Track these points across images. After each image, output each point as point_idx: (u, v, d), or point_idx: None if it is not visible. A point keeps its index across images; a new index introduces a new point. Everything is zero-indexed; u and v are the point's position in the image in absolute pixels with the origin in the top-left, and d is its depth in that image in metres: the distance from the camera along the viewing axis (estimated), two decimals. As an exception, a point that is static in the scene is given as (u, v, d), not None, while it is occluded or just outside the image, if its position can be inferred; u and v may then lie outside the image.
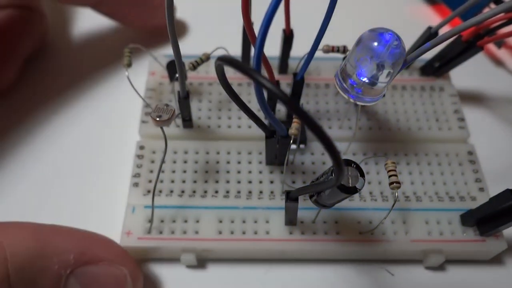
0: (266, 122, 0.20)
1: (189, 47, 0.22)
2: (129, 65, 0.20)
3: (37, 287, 0.15)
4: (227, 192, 0.19)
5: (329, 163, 0.20)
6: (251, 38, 0.14)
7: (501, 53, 0.26)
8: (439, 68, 0.23)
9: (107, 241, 0.18)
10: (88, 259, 0.16)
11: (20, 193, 0.21)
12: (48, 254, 0.15)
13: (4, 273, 0.14)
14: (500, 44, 0.25)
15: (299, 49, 0.21)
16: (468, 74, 0.24)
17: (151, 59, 0.23)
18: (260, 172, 0.20)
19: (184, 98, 0.19)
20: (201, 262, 0.19)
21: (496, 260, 0.20)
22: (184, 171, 0.20)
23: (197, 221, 0.19)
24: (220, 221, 0.19)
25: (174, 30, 0.15)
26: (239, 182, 0.20)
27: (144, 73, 0.23)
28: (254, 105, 0.20)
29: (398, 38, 0.16)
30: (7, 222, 0.16)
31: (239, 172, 0.20)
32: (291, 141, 0.17)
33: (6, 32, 0.22)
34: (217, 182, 0.20)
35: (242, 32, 0.21)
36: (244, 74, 0.11)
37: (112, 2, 0.23)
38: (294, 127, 0.17)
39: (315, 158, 0.21)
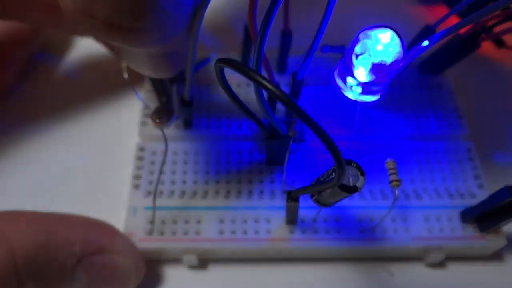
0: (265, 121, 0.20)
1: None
2: (128, 67, 0.19)
3: (44, 278, 0.15)
4: (228, 192, 0.20)
5: (329, 162, 0.21)
6: (254, 39, 0.14)
7: (501, 52, 0.26)
8: (437, 65, 0.23)
9: (111, 230, 0.18)
10: (93, 249, 0.16)
11: (19, 196, 0.21)
12: (55, 245, 0.15)
13: (12, 265, 0.14)
14: (500, 44, 0.25)
15: (298, 48, 0.21)
16: (466, 71, 0.25)
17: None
18: (261, 172, 0.20)
19: (188, 105, 0.19)
20: (203, 262, 0.19)
21: (496, 256, 0.20)
22: (185, 172, 0.20)
23: (198, 222, 0.19)
24: (221, 222, 0.19)
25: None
26: (239, 182, 0.20)
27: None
28: (253, 106, 0.20)
29: (398, 36, 0.16)
30: (12, 211, 0.16)
31: (239, 172, 0.20)
32: (291, 141, 0.17)
33: (4, 35, 0.22)
34: (217, 182, 0.20)
35: (244, 32, 0.21)
36: (245, 75, 0.11)
37: None
38: (294, 127, 0.17)
39: (316, 157, 0.21)
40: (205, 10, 0.14)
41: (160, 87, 0.20)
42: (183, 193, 0.19)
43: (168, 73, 0.17)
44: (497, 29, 0.20)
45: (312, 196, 0.16)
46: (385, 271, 0.19)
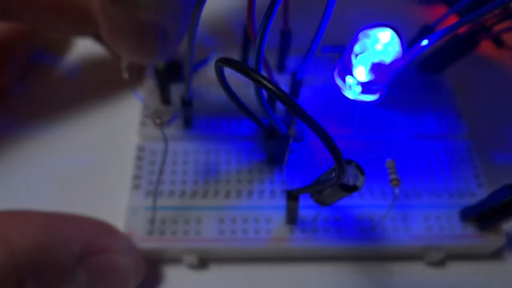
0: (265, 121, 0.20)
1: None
2: (128, 67, 0.20)
3: (44, 278, 0.15)
4: (228, 192, 0.20)
5: (329, 161, 0.21)
6: (253, 38, 0.14)
7: (501, 52, 0.26)
8: (437, 65, 0.23)
9: (112, 230, 0.18)
10: (94, 249, 0.16)
11: (19, 196, 0.21)
12: (55, 245, 0.15)
13: (13, 266, 0.14)
14: (500, 44, 0.25)
15: (297, 48, 0.21)
16: (466, 71, 0.25)
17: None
18: (261, 172, 0.20)
19: (188, 105, 0.19)
20: (203, 262, 0.19)
21: (496, 255, 0.20)
22: (185, 172, 0.20)
23: (198, 222, 0.19)
24: (221, 221, 0.19)
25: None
26: (239, 182, 0.20)
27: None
28: (253, 105, 0.20)
29: (398, 35, 0.16)
30: (12, 211, 0.16)
31: (239, 172, 0.20)
32: (291, 141, 0.17)
33: (4, 36, 0.22)
34: (217, 182, 0.20)
35: (243, 32, 0.21)
36: (244, 75, 0.11)
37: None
38: (294, 127, 0.17)
39: (316, 157, 0.21)
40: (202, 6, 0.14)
41: (165, 86, 0.20)
42: (183, 193, 0.19)
43: (155, 54, 0.17)
44: (497, 28, 0.20)
45: (312, 196, 0.16)
46: (385, 271, 0.19)
